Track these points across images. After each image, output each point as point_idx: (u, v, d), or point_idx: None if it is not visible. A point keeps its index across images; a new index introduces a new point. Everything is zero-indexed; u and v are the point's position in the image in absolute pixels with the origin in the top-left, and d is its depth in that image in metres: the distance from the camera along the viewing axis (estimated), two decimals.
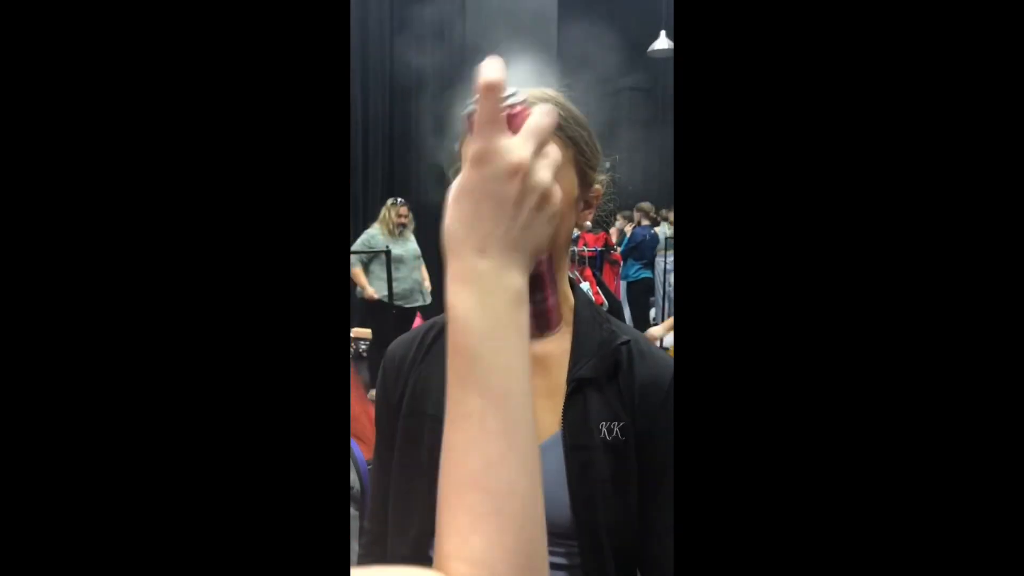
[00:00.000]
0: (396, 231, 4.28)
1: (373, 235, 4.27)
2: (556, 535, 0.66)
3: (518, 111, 0.41)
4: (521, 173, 0.38)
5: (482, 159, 0.38)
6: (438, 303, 4.57)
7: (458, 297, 0.38)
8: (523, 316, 0.39)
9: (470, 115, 0.40)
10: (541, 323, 0.50)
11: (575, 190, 0.69)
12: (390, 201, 4.38)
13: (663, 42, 6.47)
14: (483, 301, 0.38)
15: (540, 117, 0.40)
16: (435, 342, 0.78)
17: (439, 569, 0.35)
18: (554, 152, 0.41)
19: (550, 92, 0.70)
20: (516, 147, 0.38)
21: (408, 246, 4.36)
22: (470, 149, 0.38)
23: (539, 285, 0.48)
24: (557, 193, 0.40)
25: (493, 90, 0.37)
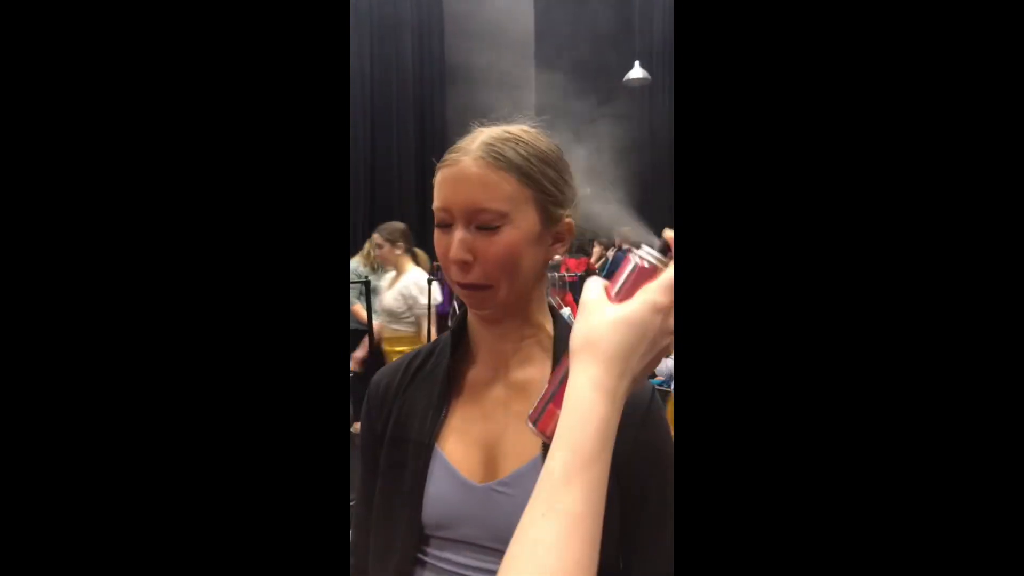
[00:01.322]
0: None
1: (353, 268, 4.28)
2: None
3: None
4: (669, 327, 0.47)
5: (664, 311, 0.46)
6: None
7: (601, 405, 0.45)
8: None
9: (657, 261, 0.49)
10: None
11: (536, 227, 0.69)
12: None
13: (638, 71, 6.62)
14: (612, 417, 0.45)
15: (669, 278, 0.48)
16: (419, 369, 0.79)
17: None
18: None
19: (525, 128, 0.72)
20: (669, 302, 0.47)
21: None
22: (660, 298, 0.47)
23: None
24: None
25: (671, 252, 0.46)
